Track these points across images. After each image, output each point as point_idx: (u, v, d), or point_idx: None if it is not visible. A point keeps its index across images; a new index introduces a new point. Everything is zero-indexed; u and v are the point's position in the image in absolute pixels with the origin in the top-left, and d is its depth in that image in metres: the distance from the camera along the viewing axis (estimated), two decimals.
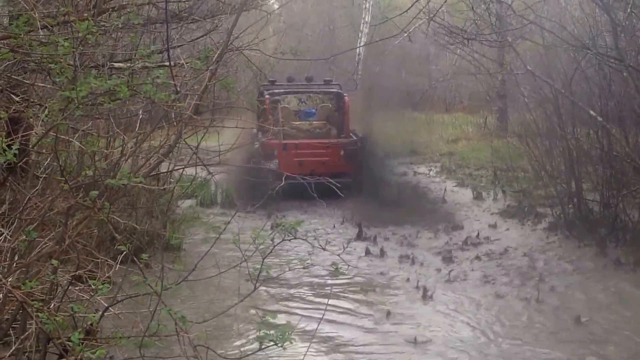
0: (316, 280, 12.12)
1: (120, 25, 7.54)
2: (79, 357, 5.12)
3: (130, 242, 9.31)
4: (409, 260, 13.32)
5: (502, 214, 16.58)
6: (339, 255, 6.23)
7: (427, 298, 11.16)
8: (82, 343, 5.25)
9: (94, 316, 6.68)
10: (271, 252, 5.52)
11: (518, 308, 10.76)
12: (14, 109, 8.17)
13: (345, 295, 11.28)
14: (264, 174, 15.33)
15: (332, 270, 5.81)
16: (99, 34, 6.91)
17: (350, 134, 20.39)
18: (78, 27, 5.72)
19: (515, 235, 14.88)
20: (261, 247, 5.76)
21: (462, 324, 10.12)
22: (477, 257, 13.34)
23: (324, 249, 6.19)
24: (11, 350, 6.06)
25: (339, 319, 10.12)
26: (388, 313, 10.30)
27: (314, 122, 21.36)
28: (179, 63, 8.53)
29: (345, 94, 20.96)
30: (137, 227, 11.28)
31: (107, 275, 7.20)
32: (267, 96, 19.54)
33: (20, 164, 8.56)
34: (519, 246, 13.97)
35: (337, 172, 16.66)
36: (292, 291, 11.44)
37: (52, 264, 6.04)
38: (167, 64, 7.90)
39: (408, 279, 12.10)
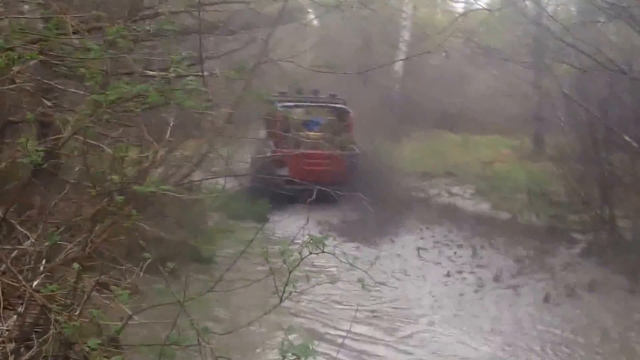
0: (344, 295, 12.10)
1: (152, 31, 7.55)
2: None
3: (158, 250, 9.34)
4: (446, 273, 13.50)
5: (535, 238, 16.42)
6: (366, 272, 6.23)
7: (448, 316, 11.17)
8: (102, 348, 5.23)
9: (116, 324, 6.64)
10: (298, 265, 5.47)
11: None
12: (43, 112, 8.19)
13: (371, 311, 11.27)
14: (276, 179, 17.56)
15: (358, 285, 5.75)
16: (131, 40, 6.90)
17: (354, 146, 21.63)
18: (108, 31, 5.74)
19: (548, 259, 14.74)
20: (290, 260, 5.70)
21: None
22: (503, 279, 13.28)
23: (351, 264, 6.19)
24: (29, 353, 6.04)
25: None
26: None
27: (321, 134, 22.16)
28: (213, 73, 8.53)
29: (349, 110, 22.25)
30: (164, 235, 11.30)
31: (128, 282, 7.15)
32: (279, 108, 20.31)
33: (50, 168, 8.60)
34: (549, 270, 13.85)
35: (340, 181, 17.23)
36: (318, 306, 11.49)
37: (74, 268, 6.03)
38: (200, 73, 7.90)
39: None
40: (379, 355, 9.85)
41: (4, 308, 6.54)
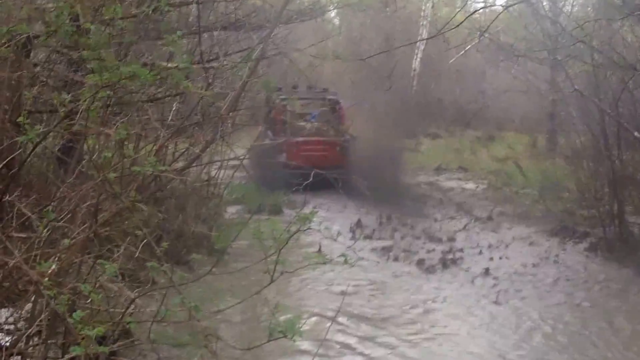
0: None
1: (150, 12, 7.60)
2: (79, 337, 5.12)
3: (175, 242, 9.47)
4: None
5: (544, 233, 16.49)
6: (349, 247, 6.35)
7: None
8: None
9: (116, 310, 6.64)
10: (286, 243, 5.57)
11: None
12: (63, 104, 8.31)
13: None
14: (276, 165, 19.30)
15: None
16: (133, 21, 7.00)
17: (345, 133, 22.75)
18: (105, 11, 5.85)
19: (556, 253, 14.79)
20: (280, 238, 5.77)
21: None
22: (514, 273, 13.35)
23: (335, 240, 6.37)
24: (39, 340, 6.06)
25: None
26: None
27: (315, 123, 23.59)
28: (216, 61, 8.63)
29: (341, 100, 23.67)
30: (166, 220, 11.42)
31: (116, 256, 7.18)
32: (278, 101, 21.53)
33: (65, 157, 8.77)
34: (557, 264, 13.93)
35: (334, 165, 17.89)
36: (309, 284, 11.81)
37: (64, 244, 6.06)
38: (205, 65, 8.01)
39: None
40: None
41: (17, 295, 6.68)
